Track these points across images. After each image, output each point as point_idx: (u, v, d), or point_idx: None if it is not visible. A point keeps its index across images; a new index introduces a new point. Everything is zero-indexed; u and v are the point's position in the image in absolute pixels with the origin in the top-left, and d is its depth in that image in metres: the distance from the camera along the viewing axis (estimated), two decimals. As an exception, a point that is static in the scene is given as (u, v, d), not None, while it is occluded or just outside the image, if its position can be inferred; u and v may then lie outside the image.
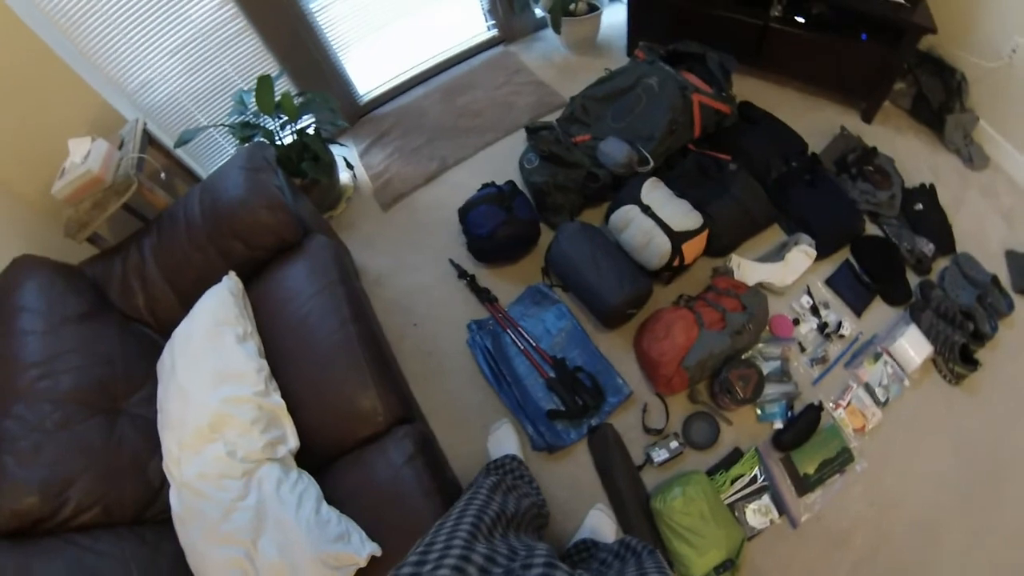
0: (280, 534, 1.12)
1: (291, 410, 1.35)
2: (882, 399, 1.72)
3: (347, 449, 1.39)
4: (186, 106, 2.15)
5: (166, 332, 1.49)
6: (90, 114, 1.83)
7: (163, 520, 1.22)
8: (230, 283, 1.51)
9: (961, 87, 2.02)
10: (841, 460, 1.65)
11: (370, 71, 2.61)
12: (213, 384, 1.28)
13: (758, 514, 1.60)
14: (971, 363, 1.70)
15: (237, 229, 1.58)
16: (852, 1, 1.90)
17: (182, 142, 1.89)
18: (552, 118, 2.33)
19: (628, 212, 1.85)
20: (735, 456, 1.68)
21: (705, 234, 1.82)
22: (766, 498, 1.61)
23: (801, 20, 2.06)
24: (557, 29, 2.46)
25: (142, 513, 1.24)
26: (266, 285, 1.60)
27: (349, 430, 1.39)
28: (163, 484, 1.26)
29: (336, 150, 2.26)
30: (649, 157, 1.97)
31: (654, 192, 1.87)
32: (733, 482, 1.63)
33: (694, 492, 1.51)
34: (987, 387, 1.73)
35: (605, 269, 1.79)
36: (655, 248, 1.78)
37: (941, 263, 1.92)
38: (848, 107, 2.28)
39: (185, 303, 1.52)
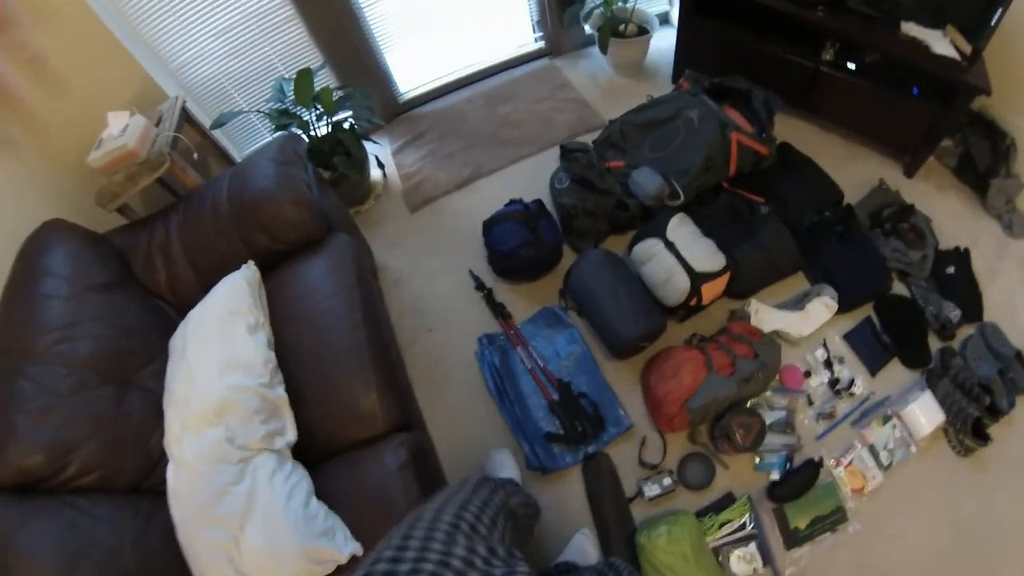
0: (267, 523, 1.17)
1: (293, 404, 1.40)
2: (885, 463, 1.69)
3: (344, 448, 1.43)
4: (226, 88, 2.21)
5: (183, 310, 1.54)
6: (132, 86, 1.89)
7: (159, 492, 1.26)
8: (248, 272, 1.56)
9: (1010, 152, 1.96)
10: (834, 519, 1.63)
11: (413, 69, 2.64)
12: (220, 370, 1.33)
13: (742, 561, 1.60)
14: (983, 437, 1.67)
15: (261, 220, 1.63)
16: (906, 54, 1.84)
17: (218, 124, 1.95)
18: (589, 139, 2.34)
19: (652, 247, 1.85)
20: (727, 501, 1.68)
21: (727, 277, 1.82)
22: (752, 546, 1.61)
23: (852, 67, 2.01)
24: (604, 49, 2.45)
25: (140, 483, 1.29)
26: (284, 278, 1.65)
27: (347, 430, 1.43)
28: (162, 457, 1.31)
29: (369, 147, 2.30)
30: (680, 191, 1.96)
31: (680, 229, 1.87)
32: (721, 526, 1.63)
33: (679, 532, 1.51)
34: (994, 463, 1.69)
35: (623, 301, 1.80)
36: (674, 285, 1.78)
37: (965, 331, 1.87)
38: (890, 159, 2.23)
39: (204, 285, 1.57)
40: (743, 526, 1.63)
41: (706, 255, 1.81)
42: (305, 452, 1.39)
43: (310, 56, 2.27)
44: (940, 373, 1.76)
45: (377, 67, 2.47)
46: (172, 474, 1.25)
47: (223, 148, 2.14)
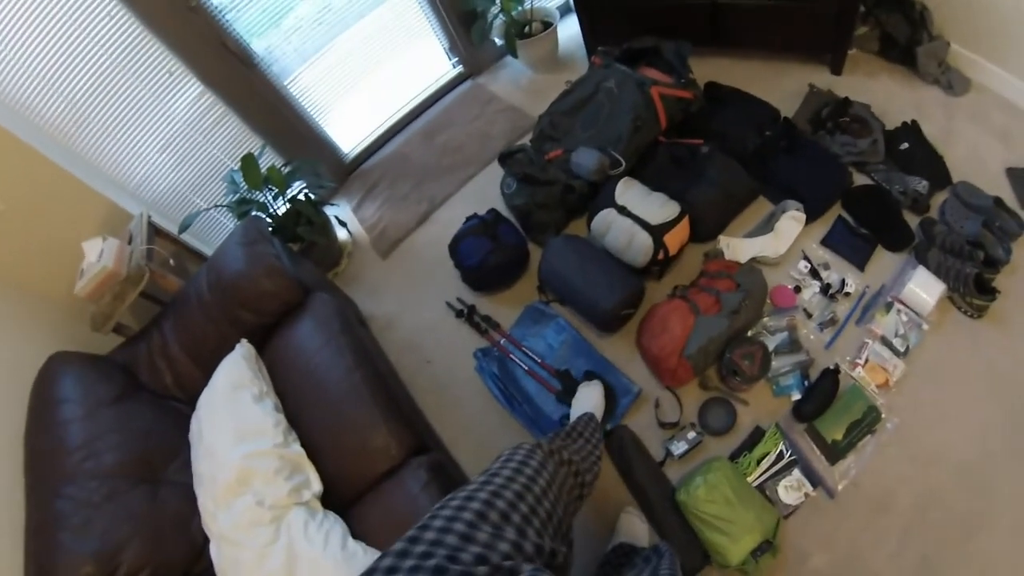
0: (311, 571, 1.21)
1: (312, 456, 1.45)
2: (901, 349, 1.65)
3: (369, 485, 1.47)
4: (184, 193, 2.34)
5: (194, 403, 1.60)
6: (98, 215, 2.01)
7: (210, 575, 1.31)
8: (243, 350, 1.64)
9: (924, 16, 1.95)
10: (869, 420, 1.59)
11: (351, 129, 2.75)
12: (235, 442, 1.39)
13: (791, 490, 1.56)
14: (989, 292, 1.62)
15: (242, 299, 1.71)
16: (789, -40, 1.88)
17: (184, 228, 2.06)
18: (526, 140, 2.40)
19: (606, 216, 1.87)
20: (757, 436, 1.65)
21: (685, 222, 1.83)
22: (797, 473, 1.58)
23: (744, -11, 2.05)
24: (514, 53, 2.54)
25: (190, 569, 1.34)
26: (276, 345, 1.72)
27: (367, 467, 1.48)
28: (205, 541, 1.36)
29: (329, 210, 2.39)
30: (620, 159, 1.99)
31: (628, 191, 1.89)
32: (759, 462, 1.60)
33: (715, 479, 1.49)
34: (1012, 313, 1.64)
35: (595, 276, 1.82)
36: (637, 245, 1.80)
37: (939, 198, 1.84)
38: (816, 64, 2.23)
39: (207, 373, 1.64)
40: (780, 456, 1.60)
41: (658, 207, 1.82)
42: (335, 499, 1.44)
43: (251, 143, 2.39)
44: (926, 245, 1.73)
45: (316, 136, 2.58)
46: (215, 551, 1.31)
47: (196, 249, 2.24)
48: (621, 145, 2.02)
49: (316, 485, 1.41)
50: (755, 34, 2.19)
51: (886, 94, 2.07)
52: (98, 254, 1.75)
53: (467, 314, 2.10)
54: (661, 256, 1.80)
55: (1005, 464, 1.47)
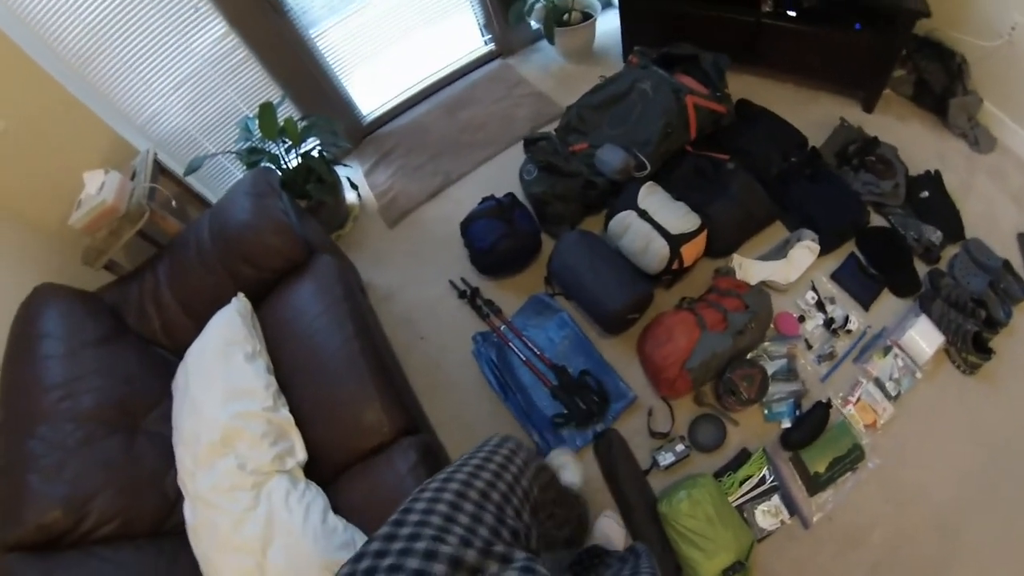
0: (288, 543, 1.18)
1: (299, 424, 1.41)
2: (893, 393, 1.68)
3: (355, 460, 1.44)
4: (194, 135, 2.25)
5: (181, 353, 1.57)
6: (103, 147, 1.93)
7: (179, 532, 1.28)
8: (239, 304, 1.58)
9: (962, 69, 1.97)
10: (852, 458, 1.62)
11: (372, 91, 2.68)
12: (224, 400, 1.35)
13: (768, 515, 1.59)
14: (985, 352, 1.66)
15: (245, 252, 1.66)
16: (842, -9, 1.88)
17: (191, 170, 1.98)
18: (551, 128, 2.36)
19: (626, 218, 1.86)
20: (743, 457, 1.66)
21: (704, 235, 1.82)
22: (776, 499, 1.60)
23: (792, 14, 2.04)
24: (551, 40, 2.49)
25: (160, 526, 1.30)
26: (274, 305, 1.68)
27: (356, 442, 1.44)
28: (179, 497, 1.32)
29: (341, 171, 2.33)
30: (646, 162, 1.98)
31: (651, 196, 1.88)
32: (741, 483, 1.62)
33: (699, 495, 1.50)
34: (1003, 375, 1.68)
35: (605, 276, 1.81)
36: (654, 252, 1.79)
37: (951, 251, 1.87)
38: (848, 98, 2.25)
39: (198, 324, 1.60)
40: (763, 480, 1.62)
41: (680, 217, 1.82)
42: (318, 470, 1.40)
43: (270, 92, 2.32)
44: (932, 296, 1.76)
45: (337, 94, 2.51)
46: (189, 511, 1.27)
47: (199, 193, 2.17)
48: (649, 148, 2.00)
49: (301, 454, 1.37)
50: (794, 58, 2.19)
51: (913, 139, 2.09)
52: (99, 187, 1.68)
53: (470, 296, 2.08)
54: (676, 266, 1.80)
55: (976, 513, 1.52)
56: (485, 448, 1.01)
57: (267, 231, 1.66)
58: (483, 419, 1.84)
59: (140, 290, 1.69)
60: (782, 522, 1.57)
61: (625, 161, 1.98)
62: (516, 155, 2.43)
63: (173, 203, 1.91)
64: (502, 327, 1.98)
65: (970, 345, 1.66)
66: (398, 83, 2.74)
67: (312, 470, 1.39)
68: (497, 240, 1.97)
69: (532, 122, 2.52)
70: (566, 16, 2.57)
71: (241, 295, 1.63)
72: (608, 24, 2.72)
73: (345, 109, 2.57)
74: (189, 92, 2.14)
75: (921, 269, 1.85)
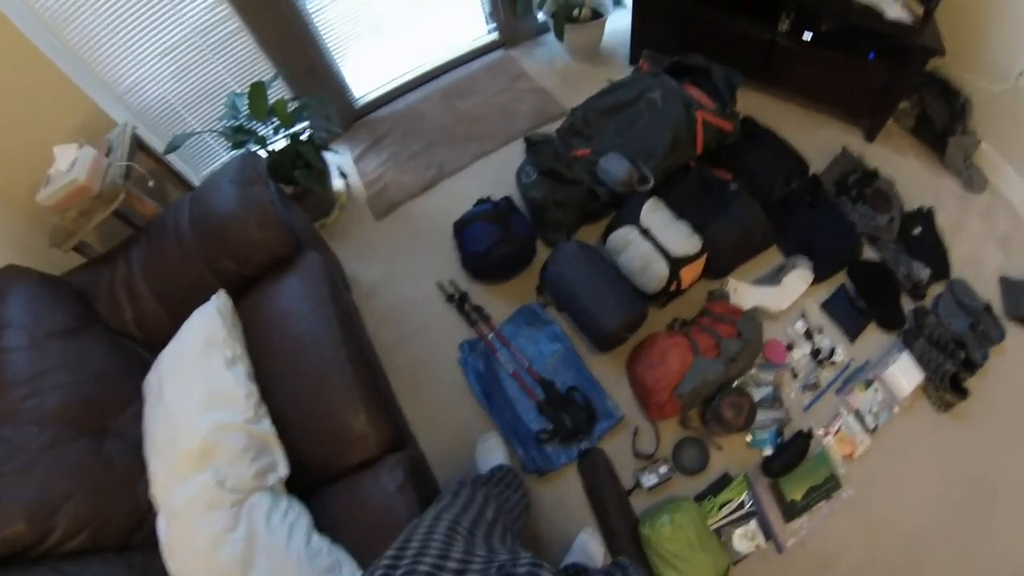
0: (271, 566, 1.12)
1: (281, 433, 1.34)
2: (871, 426, 1.73)
3: (338, 475, 1.38)
4: (177, 109, 2.11)
5: (154, 347, 1.48)
6: (78, 116, 1.78)
7: (151, 545, 1.20)
8: (219, 302, 1.49)
9: (965, 109, 2.00)
10: (828, 487, 1.67)
11: (367, 73, 2.55)
12: (202, 409, 1.27)
13: (744, 539, 1.63)
14: (961, 392, 1.72)
15: (227, 245, 1.56)
16: (860, 20, 1.85)
17: (172, 148, 1.85)
18: (552, 128, 2.30)
19: (627, 234, 1.83)
20: (724, 481, 1.69)
21: (704, 259, 1.81)
22: (753, 523, 1.63)
23: (808, 37, 2.01)
24: (560, 36, 2.40)
25: (130, 538, 1.23)
26: (256, 303, 1.58)
27: (340, 456, 1.39)
28: (151, 507, 1.25)
29: (330, 158, 2.22)
30: (650, 175, 1.94)
31: (654, 214, 1.86)
32: (721, 507, 1.65)
33: (682, 519, 1.53)
34: (974, 415, 1.75)
35: (602, 293, 1.78)
36: (652, 273, 1.77)
37: (936, 288, 1.91)
38: (850, 125, 2.25)
39: (174, 317, 1.51)
40: (742, 504, 1.65)
41: (682, 238, 1.80)
42: (298, 483, 1.34)
43: (261, 69, 2.18)
44: (915, 333, 1.80)
45: (331, 74, 2.38)
46: (163, 526, 1.19)
47: (179, 172, 2.04)
48: (653, 161, 1.97)
49: (283, 469, 1.31)
50: (803, 81, 2.18)
51: (909, 173, 2.11)
52: (70, 162, 1.55)
53: (458, 300, 2.03)
54: (673, 288, 1.79)
55: (939, 545, 1.59)
56: (462, 493, 1.03)
57: (252, 223, 1.56)
58: (465, 424, 1.82)
59: (112, 276, 1.57)
60: (757, 546, 1.61)
61: (629, 173, 1.94)
62: (514, 153, 2.37)
63: (151, 183, 1.79)
64: (490, 335, 1.94)
65: (948, 385, 1.71)
66: (395, 66, 2.61)
67: (292, 482, 1.33)
68: (492, 245, 1.92)
69: (533, 119, 2.44)
70: (576, 12, 2.48)
71: (222, 292, 1.53)
72: (617, 24, 2.64)
73: (338, 90, 2.44)
74: (175, 62, 1.99)
75: (907, 305, 1.89)
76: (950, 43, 1.83)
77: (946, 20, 1.86)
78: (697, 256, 1.79)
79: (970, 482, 1.66)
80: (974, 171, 2.04)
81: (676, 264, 1.76)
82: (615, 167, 1.97)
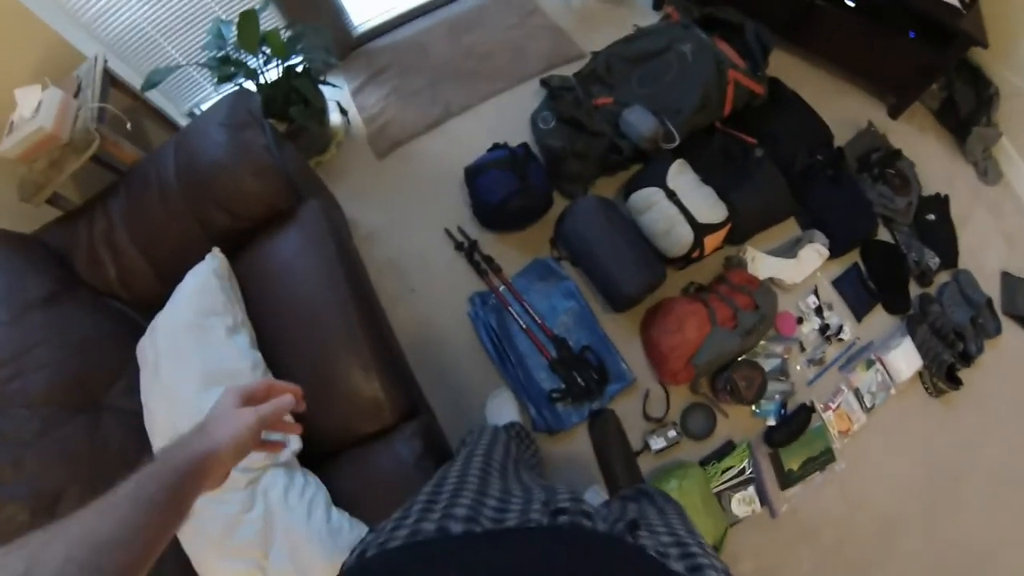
0: (292, 545, 1.05)
1: None
2: (868, 405, 1.78)
3: (350, 444, 1.29)
4: (153, 36, 1.83)
5: (143, 307, 1.35)
6: (39, 51, 1.55)
7: None
8: (215, 263, 1.32)
9: (992, 101, 1.99)
10: (823, 459, 1.72)
11: (366, -1, 2.30)
12: (203, 385, 1.15)
13: (742, 503, 1.67)
14: (955, 382, 1.77)
15: (219, 197, 1.39)
16: (909, -5, 1.78)
17: (151, 84, 1.62)
18: (568, 70, 2.14)
19: (651, 195, 1.75)
20: (728, 448, 1.71)
21: (727, 228, 1.76)
22: (751, 489, 1.67)
23: (851, 3, 1.93)
24: (586, -30, 2.22)
25: None
26: (254, 260, 1.42)
27: (353, 425, 1.29)
28: None
29: (328, 92, 1.99)
30: (676, 133, 1.85)
31: (681, 177, 1.78)
32: (723, 472, 1.68)
33: (689, 485, 1.54)
34: (962, 403, 1.82)
35: (622, 253, 1.72)
36: (676, 237, 1.71)
37: (942, 277, 1.95)
38: (876, 99, 2.20)
39: (163, 275, 1.37)
40: (743, 471, 1.68)
41: (708, 205, 1.74)
42: (310, 453, 1.23)
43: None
44: (919, 319, 1.83)
45: (327, -1, 2.11)
46: None
47: (159, 109, 1.79)
48: (680, 118, 1.86)
49: (296, 443, 1.20)
50: (837, 47, 2.09)
51: (927, 155, 2.10)
52: (34, 107, 1.34)
53: (467, 248, 1.91)
54: (696, 255, 1.74)
55: (912, 525, 1.69)
56: (482, 440, 0.99)
57: (246, 173, 1.38)
58: (475, 382, 1.75)
59: (90, 231, 1.40)
60: (753, 511, 1.66)
61: (655, 129, 1.84)
62: (526, 94, 2.21)
63: (128, 125, 1.55)
64: (501, 287, 1.85)
65: (944, 374, 1.76)
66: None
67: (303, 454, 1.22)
68: (508, 196, 1.80)
69: (547, 60, 2.26)
70: (604, -53, 2.29)
71: (217, 251, 1.36)
72: (644, -37, 2.46)
73: (335, 16, 2.18)
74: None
75: (913, 290, 1.92)
76: (991, 33, 1.80)
77: (991, 9, 1.82)
78: (722, 225, 1.73)
79: (947, 469, 1.75)
80: (991, 163, 2.06)
81: (701, 231, 1.70)
82: (640, 121, 1.86)
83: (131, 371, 1.23)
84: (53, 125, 1.34)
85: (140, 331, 1.27)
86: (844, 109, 2.16)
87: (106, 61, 1.56)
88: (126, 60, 1.82)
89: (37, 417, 1.09)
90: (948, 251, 1.93)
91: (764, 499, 1.67)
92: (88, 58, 1.56)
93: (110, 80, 1.57)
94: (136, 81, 1.68)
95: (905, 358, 1.78)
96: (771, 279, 1.87)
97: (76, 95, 1.47)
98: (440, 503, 0.64)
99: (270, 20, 2.00)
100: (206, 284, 1.28)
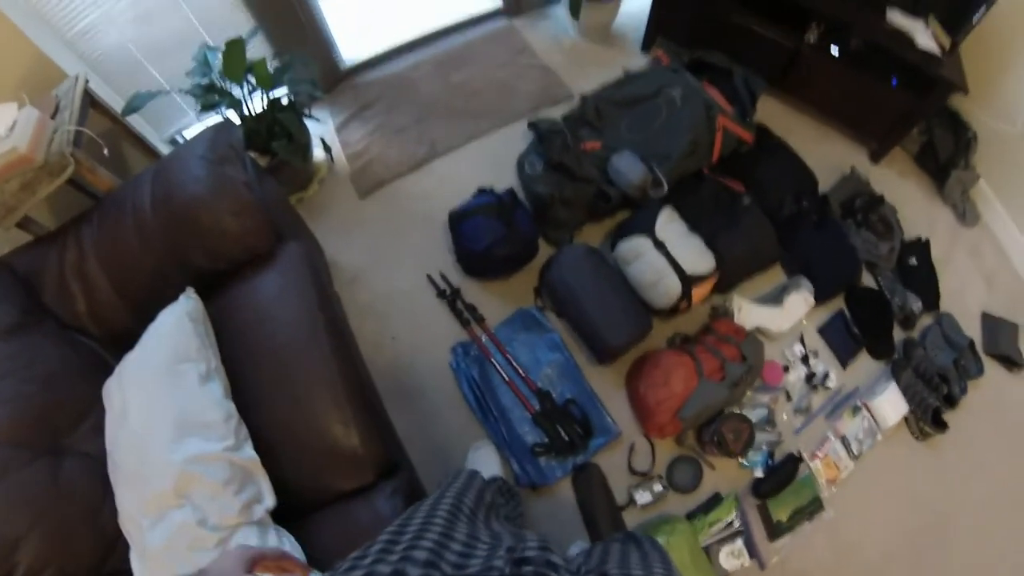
0: None
1: (262, 454, 1.18)
2: (855, 452, 1.77)
3: (328, 500, 1.24)
4: (138, 59, 1.80)
5: (112, 344, 1.29)
6: (19, 66, 1.49)
7: (124, 573, 1.06)
8: (189, 304, 1.28)
9: (971, 145, 2.02)
10: (812, 508, 1.70)
11: (356, 30, 2.28)
12: (175, 436, 1.10)
13: (731, 557, 1.64)
14: (940, 425, 1.78)
15: (196, 233, 1.34)
16: (891, 43, 1.80)
17: (131, 109, 1.58)
18: (556, 111, 2.14)
19: (640, 245, 1.74)
20: (715, 501, 1.69)
21: (715, 278, 1.76)
22: (739, 542, 1.64)
23: (836, 52, 1.95)
24: (576, 13, 2.22)
25: (99, 569, 1.08)
26: (230, 303, 1.37)
27: (331, 481, 1.24)
28: (119, 536, 1.09)
29: (312, 127, 1.97)
30: (664, 180, 1.85)
31: (670, 226, 1.77)
32: (711, 526, 1.65)
33: (677, 541, 1.52)
34: (948, 446, 1.82)
35: (608, 304, 1.70)
36: (664, 289, 1.70)
37: (924, 320, 1.96)
38: (858, 143, 2.23)
39: (135, 310, 1.32)
40: (731, 524, 1.66)
41: (696, 256, 1.73)
42: (284, 509, 1.18)
43: (238, 19, 1.87)
44: (904, 364, 1.84)
45: (316, 30, 2.08)
46: (138, 564, 1.05)
47: (139, 134, 1.74)
48: (669, 164, 1.87)
49: (269, 499, 1.16)
50: (820, 95, 2.12)
51: (908, 199, 2.12)
52: (9, 125, 1.29)
53: (450, 296, 1.88)
54: (683, 306, 1.73)
55: (897, 571, 1.67)
56: (454, 484, 0.96)
57: (225, 211, 1.34)
58: (455, 433, 1.71)
59: (61, 260, 1.34)
60: (742, 564, 1.63)
61: (644, 176, 1.83)
62: (513, 135, 2.20)
63: (105, 151, 1.50)
64: (484, 338, 1.82)
65: (929, 418, 1.77)
66: (387, 26, 2.35)
67: (278, 510, 1.17)
68: (494, 243, 1.77)
69: (536, 100, 2.26)
70: (591, -12, 2.30)
71: (191, 291, 1.32)
72: (628, 6, 2.47)
73: (323, 48, 2.16)
74: (138, 4, 1.69)
75: (897, 334, 1.92)
76: (970, 78, 1.82)
77: (969, 55, 1.85)
78: (710, 275, 1.73)
79: (933, 514, 1.75)
80: (969, 205, 2.09)
81: (689, 282, 1.70)
82: (629, 168, 1.85)
83: (98, 412, 1.18)
84: (27, 146, 1.30)
85: (108, 369, 1.22)
86: (827, 154, 2.18)
87: (87, 81, 1.52)
88: (108, 80, 1.79)
89: (-4, 458, 1.03)
90: (930, 295, 1.95)
91: (753, 551, 1.65)
92: (69, 76, 1.52)
93: (90, 101, 1.53)
94: (117, 103, 1.64)
95: (891, 403, 1.79)
96: (757, 328, 1.86)
97: (53, 115, 1.42)
98: (401, 544, 0.62)
99: (257, 49, 1.96)
100: (179, 327, 1.23)
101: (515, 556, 0.59)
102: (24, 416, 1.10)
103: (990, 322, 1.96)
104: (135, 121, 1.75)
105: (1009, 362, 1.92)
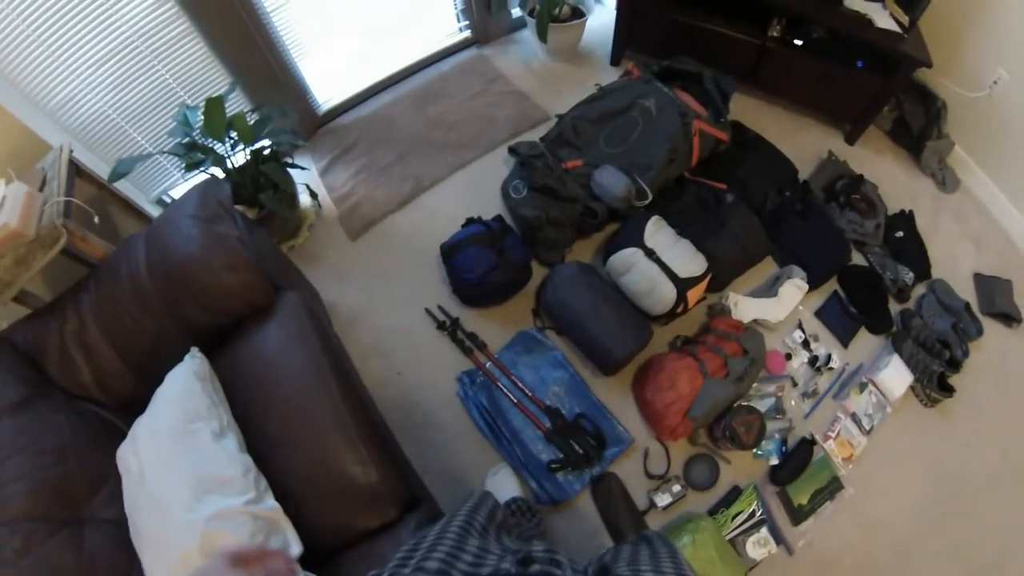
0: None
1: (283, 503, 1.20)
2: (867, 427, 1.80)
3: (354, 540, 1.26)
4: (119, 123, 1.85)
5: (121, 409, 1.32)
6: (3, 142, 1.53)
7: None
8: (195, 364, 1.30)
9: (940, 114, 2.06)
10: (831, 488, 1.72)
11: (330, 74, 2.33)
12: (195, 496, 1.12)
13: (757, 546, 1.66)
14: (947, 390, 1.80)
15: (194, 292, 1.37)
16: (851, 28, 1.85)
17: (118, 176, 1.62)
18: (535, 135, 2.20)
19: (631, 256, 1.78)
20: (734, 494, 1.72)
21: (708, 279, 1.79)
22: (764, 531, 1.67)
23: (799, 43, 2.00)
24: (543, 38, 2.27)
25: None
26: (235, 358, 1.39)
27: (355, 520, 1.26)
28: None
29: (297, 176, 2.01)
30: (648, 190, 1.89)
31: (658, 234, 1.81)
32: (734, 518, 1.68)
33: (703, 538, 1.54)
34: (957, 409, 1.85)
35: (608, 318, 1.73)
36: (659, 295, 1.74)
37: (918, 290, 1.99)
38: (832, 128, 2.28)
39: (140, 375, 1.35)
40: (752, 514, 1.68)
41: (687, 259, 1.77)
42: (312, 555, 1.20)
43: (213, 75, 1.93)
44: (903, 335, 1.87)
45: (291, 78, 2.15)
46: None
47: (126, 198, 1.79)
48: (650, 174, 1.91)
49: (296, 547, 1.17)
50: (791, 85, 2.17)
51: (887, 175, 2.16)
52: None
53: (450, 327, 1.91)
54: (680, 309, 1.77)
55: (924, 539, 1.69)
56: (466, 505, 0.98)
57: (220, 267, 1.36)
58: (470, 462, 1.74)
59: (61, 331, 1.36)
60: (769, 552, 1.65)
61: (627, 188, 1.88)
62: (495, 162, 2.25)
63: (96, 219, 1.55)
64: (488, 364, 1.86)
65: (935, 384, 1.79)
66: (360, 66, 2.40)
67: (305, 556, 1.19)
68: (487, 273, 1.81)
69: (514, 126, 2.32)
70: (556, 10, 2.36)
71: (196, 351, 1.35)
72: (594, 23, 2.53)
73: (299, 95, 2.22)
74: (115, 70, 1.74)
75: (893, 307, 1.96)
76: (932, 51, 1.87)
77: (928, 29, 1.90)
78: (703, 277, 1.77)
79: (951, 478, 1.77)
80: (948, 172, 2.12)
81: (683, 285, 1.73)
82: (613, 182, 1.90)
83: (114, 478, 1.20)
84: (18, 221, 1.32)
85: (119, 434, 1.24)
86: (804, 142, 2.22)
87: (71, 151, 1.56)
88: (92, 148, 1.83)
89: (17, 534, 1.05)
90: (920, 264, 1.98)
91: (778, 538, 1.67)
92: (53, 148, 1.56)
93: (76, 170, 1.56)
94: (102, 169, 1.68)
95: (896, 375, 1.81)
96: (756, 321, 1.90)
97: (41, 188, 1.46)
98: (414, 559, 0.65)
99: (236, 104, 2.03)
100: (188, 387, 1.25)
101: (520, 556, 0.62)
102: (41, 489, 1.12)
103: (983, 282, 1.99)
104: (122, 185, 1.79)
105: (1007, 318, 1.95)
